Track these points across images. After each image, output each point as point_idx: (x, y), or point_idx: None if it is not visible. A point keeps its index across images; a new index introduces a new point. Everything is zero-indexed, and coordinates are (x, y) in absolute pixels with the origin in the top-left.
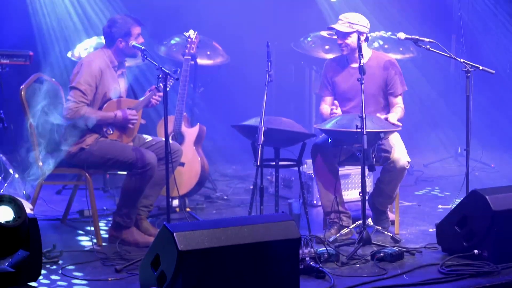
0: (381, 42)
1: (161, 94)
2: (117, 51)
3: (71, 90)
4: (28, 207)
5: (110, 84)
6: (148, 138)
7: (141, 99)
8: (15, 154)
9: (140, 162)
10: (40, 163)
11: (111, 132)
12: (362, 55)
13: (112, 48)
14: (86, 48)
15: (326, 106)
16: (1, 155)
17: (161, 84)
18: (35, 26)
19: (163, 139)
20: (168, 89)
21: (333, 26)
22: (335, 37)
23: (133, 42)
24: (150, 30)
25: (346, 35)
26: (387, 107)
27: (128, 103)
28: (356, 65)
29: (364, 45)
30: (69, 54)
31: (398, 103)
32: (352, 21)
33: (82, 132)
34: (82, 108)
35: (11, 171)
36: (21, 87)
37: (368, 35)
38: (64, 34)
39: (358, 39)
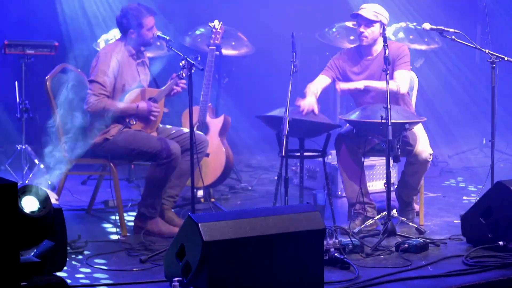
0: (405, 33)
1: (183, 81)
2: (130, 41)
3: (90, 83)
4: (53, 197)
5: (129, 74)
6: (174, 129)
7: (163, 88)
8: (41, 145)
9: (164, 152)
10: (66, 154)
11: (134, 122)
12: (387, 46)
13: (127, 38)
14: (111, 38)
15: (314, 84)
16: (26, 146)
17: (182, 72)
18: (61, 16)
19: (188, 129)
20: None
21: (359, 12)
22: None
23: (158, 33)
24: (175, 20)
25: (370, 23)
26: (400, 99)
27: (150, 93)
28: (370, 57)
29: (380, 37)
30: (94, 45)
31: (395, 77)
32: (377, 11)
33: (106, 122)
34: (102, 100)
35: (36, 161)
36: (46, 77)
37: (387, 28)
38: (90, 24)
39: (383, 29)
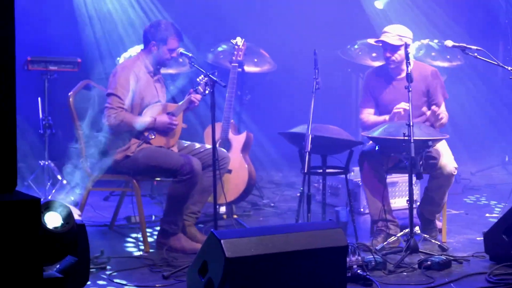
0: (427, 51)
1: (198, 96)
2: (149, 56)
3: (108, 97)
4: (76, 213)
5: (147, 89)
6: (197, 145)
7: (180, 103)
8: (63, 160)
9: (185, 168)
10: (88, 170)
11: (153, 136)
12: (409, 63)
13: (147, 52)
14: (132, 55)
15: (369, 114)
16: (49, 162)
17: (199, 87)
18: (83, 32)
19: (211, 146)
20: (207, 91)
21: (383, 39)
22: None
23: (181, 49)
24: (198, 37)
25: (396, 48)
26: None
27: (168, 108)
28: (400, 77)
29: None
30: (117, 61)
31: (442, 110)
32: (401, 34)
33: (126, 139)
34: (120, 114)
35: (59, 177)
36: (69, 93)
37: (412, 45)
38: (112, 41)
39: (406, 47)
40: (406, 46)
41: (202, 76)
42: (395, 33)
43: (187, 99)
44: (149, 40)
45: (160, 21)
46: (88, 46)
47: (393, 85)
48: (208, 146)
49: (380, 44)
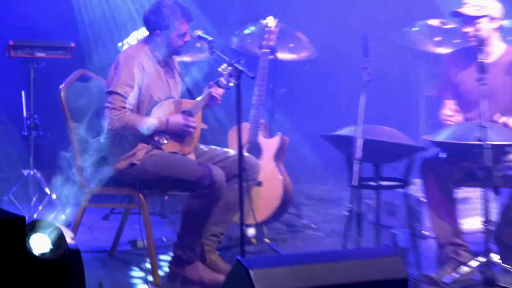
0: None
1: (220, 90)
2: (156, 44)
3: (109, 95)
4: (68, 236)
5: (156, 83)
6: (216, 149)
7: (199, 98)
8: (53, 169)
9: (205, 180)
10: (84, 181)
11: (165, 141)
12: (484, 48)
13: (153, 40)
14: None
15: (450, 112)
16: (35, 171)
17: (222, 78)
18: (78, 11)
19: (235, 151)
20: (231, 83)
21: (458, 10)
22: (449, 26)
23: (199, 32)
24: (219, 18)
25: (473, 20)
26: None
27: (183, 105)
28: (489, 60)
29: (495, 36)
30: (120, 45)
31: None
32: (481, 4)
33: (132, 143)
34: (125, 115)
35: (47, 190)
36: (60, 86)
37: (502, 22)
38: (114, 21)
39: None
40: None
41: (225, 65)
42: (474, 3)
43: (207, 94)
44: (152, 29)
45: (160, 3)
46: (83, 28)
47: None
48: (233, 152)
49: (447, 24)
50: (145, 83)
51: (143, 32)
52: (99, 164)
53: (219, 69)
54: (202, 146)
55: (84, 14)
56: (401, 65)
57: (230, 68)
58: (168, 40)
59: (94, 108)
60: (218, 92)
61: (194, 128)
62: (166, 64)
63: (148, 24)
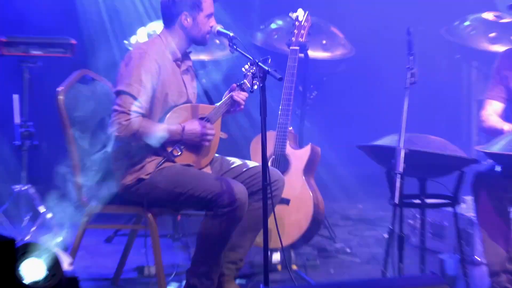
0: None
1: (244, 94)
2: (180, 34)
3: (118, 96)
4: (65, 261)
5: (172, 84)
6: (236, 162)
7: (219, 104)
8: (49, 185)
9: (224, 197)
10: (84, 199)
11: (179, 153)
12: None
13: (174, 31)
14: (151, 33)
15: (494, 115)
16: (28, 186)
17: (245, 81)
18: (80, 3)
19: (257, 164)
20: (255, 87)
21: None
22: (506, 20)
23: (218, 27)
24: (242, 11)
25: None
26: None
27: (201, 110)
28: None
29: None
30: (127, 42)
31: None
32: None
33: (140, 155)
34: (136, 120)
35: (41, 209)
36: (58, 89)
37: None
38: (120, 15)
39: None
40: None
41: (249, 64)
42: None
43: (229, 98)
44: (176, 14)
45: None
46: (86, 22)
47: None
48: (255, 164)
49: (504, 19)
50: (160, 84)
51: (152, 28)
52: (101, 179)
53: (243, 69)
54: (220, 158)
55: (86, 7)
56: (450, 65)
57: (254, 68)
58: (197, 24)
59: (99, 115)
60: (241, 96)
61: (212, 136)
62: (183, 61)
63: (169, 9)
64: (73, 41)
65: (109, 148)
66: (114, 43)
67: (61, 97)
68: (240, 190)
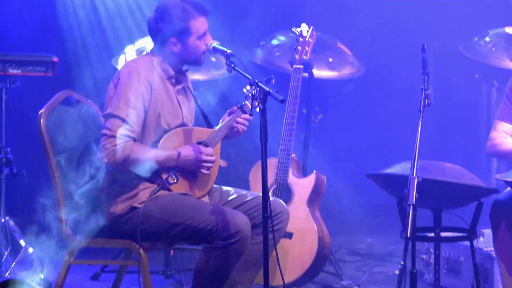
0: None
1: (246, 117)
2: (170, 57)
3: (107, 119)
4: None
5: (166, 105)
6: (236, 192)
7: (218, 127)
8: (29, 217)
9: (225, 228)
10: (68, 231)
11: (175, 180)
12: None
13: (164, 52)
14: (141, 50)
15: (505, 135)
16: (7, 218)
17: (247, 102)
18: (63, 17)
19: (259, 194)
20: (257, 110)
21: None
22: None
23: (214, 43)
24: (240, 25)
25: None
26: None
27: (198, 134)
28: None
29: None
30: (114, 61)
31: None
32: None
33: (132, 182)
34: (127, 145)
35: (22, 242)
36: (40, 111)
37: None
38: (108, 30)
39: None
40: None
41: (252, 87)
42: None
43: (229, 121)
44: (164, 38)
45: (166, 4)
46: (70, 39)
47: None
48: (254, 194)
49: None
50: (151, 105)
51: (141, 44)
52: (88, 210)
53: (245, 90)
54: (219, 188)
55: (70, 22)
56: (469, 85)
57: (249, 87)
58: (188, 48)
59: (85, 140)
60: (241, 120)
61: (211, 163)
62: (178, 81)
63: (156, 34)
64: (55, 59)
65: (97, 176)
66: (101, 61)
67: (42, 121)
68: (242, 221)
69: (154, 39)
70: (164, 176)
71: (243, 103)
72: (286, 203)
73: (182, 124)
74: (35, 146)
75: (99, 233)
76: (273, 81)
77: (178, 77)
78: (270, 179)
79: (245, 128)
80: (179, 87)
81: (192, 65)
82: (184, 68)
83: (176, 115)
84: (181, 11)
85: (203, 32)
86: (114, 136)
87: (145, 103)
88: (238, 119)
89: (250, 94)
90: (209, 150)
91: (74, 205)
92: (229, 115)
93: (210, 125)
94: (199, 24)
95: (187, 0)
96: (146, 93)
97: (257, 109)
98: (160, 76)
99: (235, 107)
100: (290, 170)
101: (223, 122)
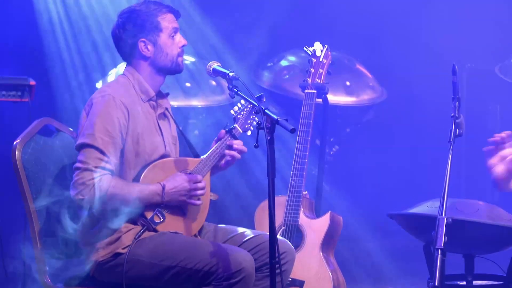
0: None
1: (238, 143)
2: (146, 67)
3: (80, 150)
4: None
5: (145, 131)
6: (234, 230)
7: (205, 155)
8: (3, 261)
9: (225, 268)
10: (46, 279)
11: (161, 219)
12: None
13: (138, 65)
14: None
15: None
16: None
17: (236, 125)
18: (43, 38)
19: (262, 232)
20: (249, 132)
21: None
22: None
23: (214, 65)
24: (244, 43)
25: None
26: None
27: (184, 166)
28: None
29: None
30: (99, 85)
31: None
32: None
33: (114, 224)
34: (104, 178)
35: None
36: (15, 142)
37: None
38: (90, 53)
39: None
40: None
41: (240, 105)
42: None
43: (217, 148)
44: (129, 45)
45: (129, 9)
46: (49, 60)
47: None
48: (259, 233)
49: None
50: (130, 133)
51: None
52: (68, 255)
53: (232, 112)
54: (213, 226)
55: (49, 40)
56: (506, 111)
57: (240, 106)
58: (160, 48)
59: (66, 174)
60: (237, 144)
61: (202, 190)
62: (158, 105)
63: (122, 42)
64: (32, 82)
65: (77, 216)
66: (84, 85)
67: (17, 153)
68: (244, 258)
69: (122, 53)
70: (149, 216)
71: (232, 127)
72: (296, 247)
73: (165, 155)
74: (9, 184)
75: (82, 281)
76: (264, 99)
77: (158, 100)
78: (278, 220)
79: (238, 156)
80: (160, 110)
81: (172, 73)
82: (165, 92)
83: (158, 144)
84: (146, 8)
85: (173, 28)
86: (88, 170)
87: (123, 131)
88: (230, 146)
89: (239, 115)
90: (195, 176)
91: (54, 249)
92: (216, 142)
93: (196, 155)
94: (168, 20)
95: (153, 1)
96: (123, 119)
97: (248, 132)
98: (139, 98)
99: (223, 131)
100: (301, 210)
101: (211, 150)
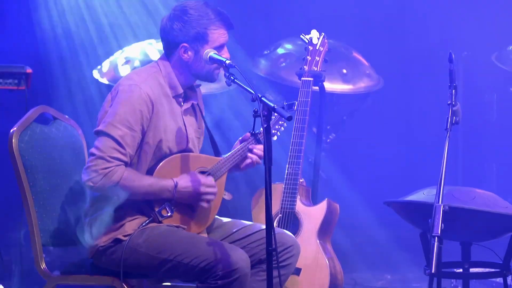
0: None
1: (260, 147)
2: (180, 67)
3: (98, 136)
4: None
5: (169, 127)
6: (240, 224)
7: (226, 155)
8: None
9: (221, 266)
10: (43, 266)
11: (169, 213)
12: None
13: (174, 61)
14: (128, 60)
15: None
16: None
17: (262, 129)
18: (37, 22)
19: (262, 226)
20: (275, 137)
21: None
22: None
23: (211, 52)
24: (242, 31)
25: None
26: None
27: (202, 163)
28: None
29: None
30: (96, 72)
31: None
32: None
33: (118, 211)
34: (117, 169)
35: None
36: (11, 130)
37: None
38: (89, 36)
39: None
40: None
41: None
42: None
43: (240, 150)
44: (172, 44)
45: (186, 5)
46: (45, 48)
47: None
48: (258, 226)
49: None
50: (152, 128)
51: (130, 55)
52: (68, 242)
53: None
54: (222, 223)
55: (46, 27)
56: (503, 100)
57: (284, 121)
58: (198, 60)
59: (63, 163)
60: (256, 151)
61: (212, 195)
62: (186, 99)
63: (168, 35)
64: (29, 70)
65: (78, 203)
66: (81, 73)
67: (14, 141)
68: (240, 257)
69: (165, 42)
70: (157, 209)
71: (258, 131)
72: (294, 234)
73: (186, 150)
74: (7, 170)
75: (79, 269)
76: (295, 107)
77: (188, 94)
78: (275, 207)
79: (259, 161)
80: (186, 105)
81: (204, 81)
82: (196, 83)
83: (180, 139)
84: (201, 14)
85: (221, 44)
86: (103, 158)
87: (144, 124)
88: (251, 150)
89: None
90: (209, 180)
91: (51, 237)
92: (240, 143)
93: (217, 153)
94: (218, 34)
95: (213, 6)
96: (146, 112)
97: (274, 137)
98: (166, 93)
99: (248, 134)
100: (298, 197)
101: (233, 151)
